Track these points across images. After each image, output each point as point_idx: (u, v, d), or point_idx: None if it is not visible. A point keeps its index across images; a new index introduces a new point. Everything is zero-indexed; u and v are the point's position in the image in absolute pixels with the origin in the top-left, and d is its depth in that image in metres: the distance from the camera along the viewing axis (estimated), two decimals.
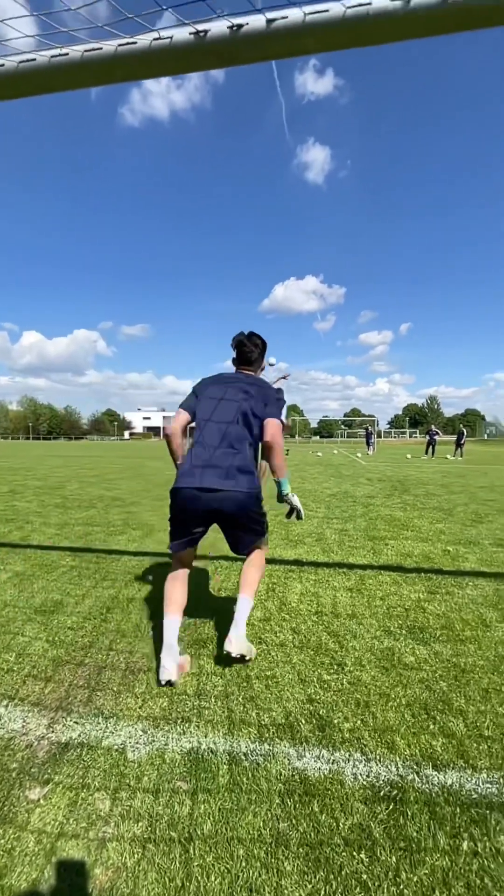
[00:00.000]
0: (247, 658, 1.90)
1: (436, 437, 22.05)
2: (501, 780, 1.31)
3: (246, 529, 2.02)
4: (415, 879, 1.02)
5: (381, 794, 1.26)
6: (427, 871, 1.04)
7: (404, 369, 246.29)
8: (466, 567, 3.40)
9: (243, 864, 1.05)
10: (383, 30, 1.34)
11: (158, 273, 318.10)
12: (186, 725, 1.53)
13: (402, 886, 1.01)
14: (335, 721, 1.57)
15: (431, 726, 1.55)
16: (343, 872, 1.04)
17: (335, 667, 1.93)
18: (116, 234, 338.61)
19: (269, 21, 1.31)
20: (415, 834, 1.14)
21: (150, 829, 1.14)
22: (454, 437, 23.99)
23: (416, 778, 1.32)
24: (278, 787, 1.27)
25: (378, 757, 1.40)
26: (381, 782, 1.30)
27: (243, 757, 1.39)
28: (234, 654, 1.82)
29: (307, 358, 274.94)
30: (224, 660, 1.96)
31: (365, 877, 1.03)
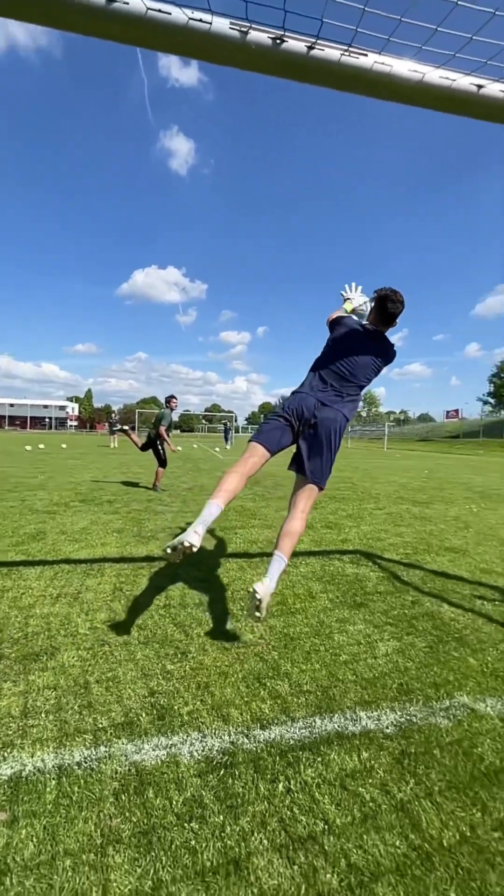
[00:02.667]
0: (262, 613, 1.81)
1: None
2: (313, 722, 1.57)
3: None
4: (237, 829, 1.15)
5: (214, 763, 1.37)
6: (248, 819, 1.18)
7: (260, 369, 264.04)
8: (301, 548, 3.88)
9: (69, 874, 1.01)
10: (221, 52, 1.45)
11: None
12: (8, 751, 1.38)
13: (225, 839, 1.12)
14: (175, 707, 1.63)
15: (262, 692, 1.74)
16: (174, 845, 1.10)
17: (179, 655, 1.99)
18: None
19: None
20: (240, 790, 1.27)
21: None
22: None
23: (246, 740, 1.47)
24: (113, 787, 1.26)
25: (214, 731, 1.51)
26: (214, 753, 1.41)
27: (76, 766, 1.33)
28: (258, 595, 1.78)
29: (169, 350, 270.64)
30: (60, 671, 1.83)
31: (193, 842, 1.11)
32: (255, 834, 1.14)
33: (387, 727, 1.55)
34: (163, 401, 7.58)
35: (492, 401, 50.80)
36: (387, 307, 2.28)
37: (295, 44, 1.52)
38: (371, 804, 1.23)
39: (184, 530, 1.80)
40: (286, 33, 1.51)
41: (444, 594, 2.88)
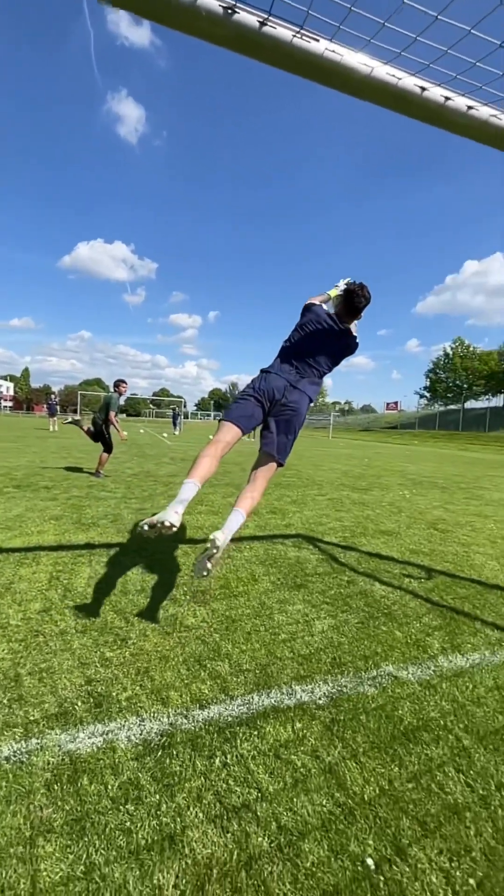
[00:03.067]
0: (212, 564, 1.77)
1: None
2: (251, 699, 1.62)
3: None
4: (173, 806, 1.17)
5: (152, 745, 1.38)
6: (185, 795, 1.21)
7: (211, 355, 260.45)
8: (246, 533, 3.95)
9: None
10: (167, 12, 1.38)
11: None
12: None
13: (161, 817, 1.14)
14: (114, 694, 1.61)
15: (202, 674, 1.77)
16: (108, 828, 1.10)
17: (119, 642, 1.96)
18: None
19: None
20: (178, 768, 1.30)
21: None
22: None
23: (184, 720, 1.49)
24: (45, 778, 1.23)
25: (153, 715, 1.52)
26: (152, 735, 1.42)
27: (4, 761, 1.27)
28: (217, 542, 1.76)
29: (115, 330, 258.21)
30: None
31: (129, 823, 1.12)
32: (191, 808, 1.17)
33: (319, 698, 1.64)
34: (107, 383, 7.26)
35: (427, 394, 54.37)
36: (353, 301, 2.43)
37: (246, 17, 1.48)
38: (302, 769, 1.31)
39: (154, 514, 1.79)
40: (238, 4, 1.46)
41: (377, 574, 3.09)
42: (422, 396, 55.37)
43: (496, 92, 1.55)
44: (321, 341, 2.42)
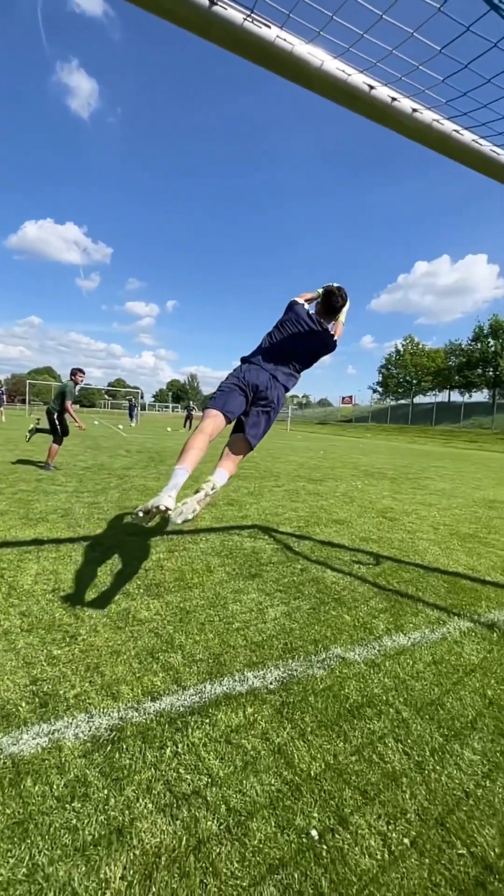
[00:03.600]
0: (200, 508, 1.83)
1: (192, 413, 24.28)
2: (203, 688, 1.63)
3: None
4: (122, 800, 1.16)
5: (101, 741, 1.35)
6: (134, 787, 1.20)
7: (169, 345, 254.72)
8: (203, 525, 3.94)
9: None
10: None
11: None
12: None
13: (109, 811, 1.13)
14: (61, 692, 1.56)
15: (155, 666, 1.75)
16: (52, 828, 1.07)
17: (67, 639, 1.90)
18: None
19: None
20: (127, 762, 1.28)
21: None
22: None
23: (135, 714, 1.48)
24: None
25: (102, 710, 1.48)
26: (101, 731, 1.39)
27: None
28: (216, 485, 1.95)
29: (68, 316, 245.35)
30: None
31: (75, 821, 1.10)
32: (141, 800, 1.17)
33: (270, 683, 1.69)
34: (58, 372, 6.92)
35: (380, 389, 56.47)
36: (330, 301, 2.62)
37: None
38: (252, 752, 1.34)
39: (137, 505, 1.73)
40: None
41: (329, 561, 3.20)
42: (375, 391, 57.48)
43: (437, 96, 1.62)
44: (300, 340, 2.57)
